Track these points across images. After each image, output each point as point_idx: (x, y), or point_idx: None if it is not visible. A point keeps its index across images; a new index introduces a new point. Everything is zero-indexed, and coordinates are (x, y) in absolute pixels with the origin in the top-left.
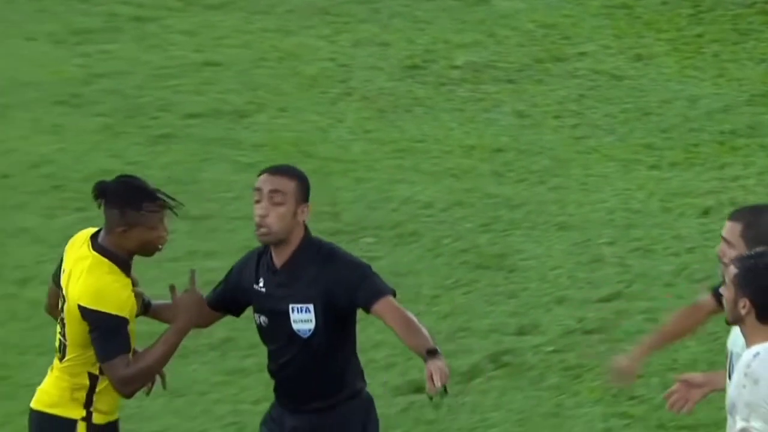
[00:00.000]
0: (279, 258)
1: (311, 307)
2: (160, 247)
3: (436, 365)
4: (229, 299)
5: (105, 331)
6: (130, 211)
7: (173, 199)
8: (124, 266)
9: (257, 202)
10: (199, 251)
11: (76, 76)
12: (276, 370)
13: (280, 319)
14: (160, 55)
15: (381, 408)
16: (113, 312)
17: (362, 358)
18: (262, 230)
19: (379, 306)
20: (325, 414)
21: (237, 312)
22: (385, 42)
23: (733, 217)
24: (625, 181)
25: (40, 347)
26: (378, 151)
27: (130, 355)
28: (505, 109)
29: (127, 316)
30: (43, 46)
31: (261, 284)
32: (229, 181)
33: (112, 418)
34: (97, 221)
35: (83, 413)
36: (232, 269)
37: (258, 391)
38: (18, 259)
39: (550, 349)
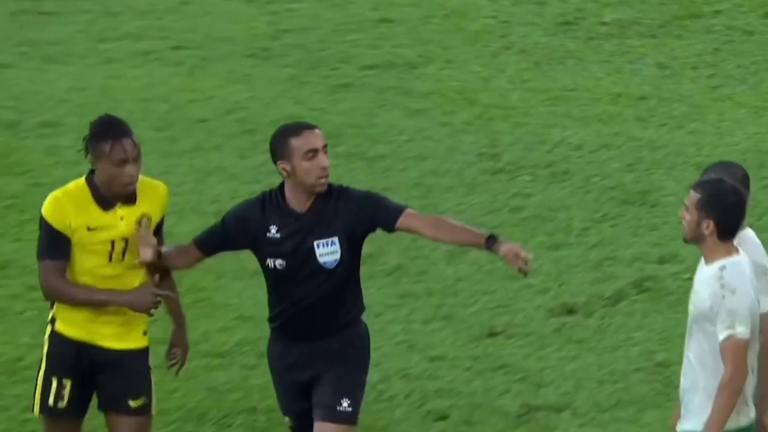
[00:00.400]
0: (302, 204)
1: (336, 239)
2: (126, 186)
3: (509, 247)
4: (219, 245)
5: (42, 234)
6: (91, 146)
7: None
8: (100, 198)
9: (314, 158)
10: (376, 187)
11: (265, 32)
12: (295, 307)
13: (304, 256)
14: (340, 13)
15: (536, 328)
16: (49, 220)
17: (517, 285)
18: (324, 180)
19: (404, 219)
20: (343, 333)
21: (211, 255)
22: (541, 1)
23: (695, 186)
24: (756, 125)
25: (235, 272)
26: (534, 98)
27: (66, 268)
28: (647, 61)
29: (63, 231)
30: (236, 5)
31: (274, 231)
32: (401, 125)
33: (73, 334)
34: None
35: (51, 317)
36: (225, 221)
37: (427, 312)
38: (214, 194)
39: (687, 276)
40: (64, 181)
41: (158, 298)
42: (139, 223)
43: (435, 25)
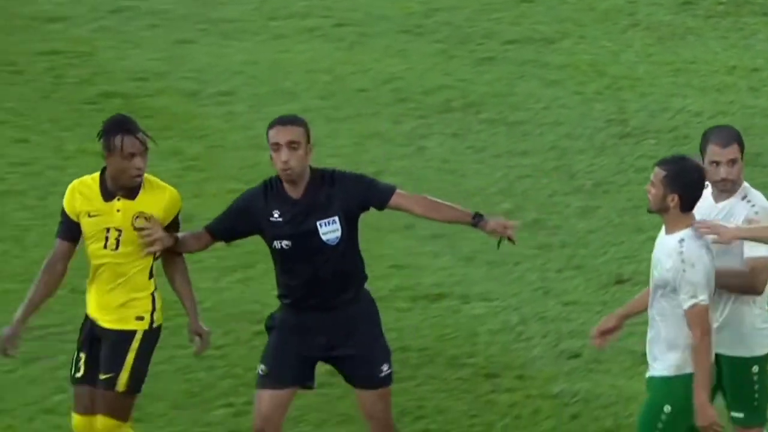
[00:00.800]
0: (296, 191)
1: (336, 218)
2: (133, 177)
3: (495, 222)
4: (227, 234)
5: (61, 216)
6: (104, 141)
7: (148, 137)
8: (104, 189)
9: (277, 151)
10: (516, 150)
11: (418, 11)
12: (304, 283)
13: (308, 236)
14: None
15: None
16: (64, 205)
17: (643, 237)
18: (289, 173)
19: (395, 199)
20: (351, 304)
21: (229, 241)
22: None
23: (660, 164)
24: None
25: (390, 226)
26: (658, 70)
27: (74, 250)
28: (760, 36)
29: (72, 216)
30: None
31: (277, 216)
32: (538, 94)
33: (90, 312)
34: (436, 127)
35: None
36: (229, 213)
37: (561, 262)
38: (373, 156)
39: None
40: (238, 145)
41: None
42: (147, 219)
43: (570, 5)
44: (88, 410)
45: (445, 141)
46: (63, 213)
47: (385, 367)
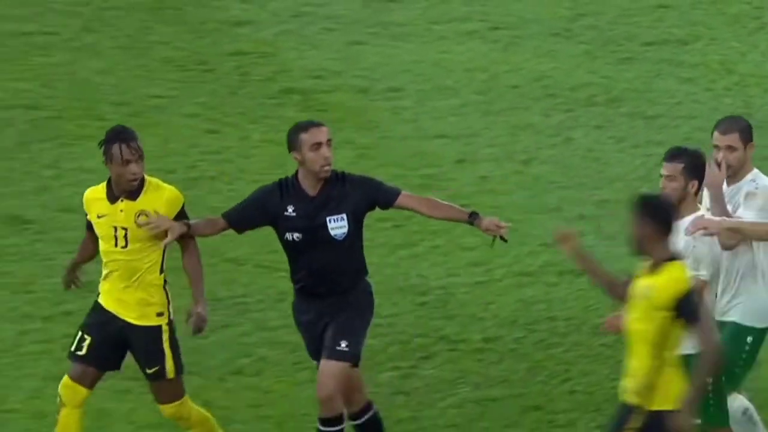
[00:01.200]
0: (313, 188)
1: (344, 216)
2: (130, 182)
3: (489, 220)
4: (244, 221)
5: None
6: (105, 150)
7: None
8: (110, 193)
9: (318, 149)
10: (653, 140)
11: (566, 15)
12: (311, 272)
13: (318, 229)
14: (626, 0)
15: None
16: (84, 206)
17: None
18: (328, 168)
19: (401, 199)
20: (351, 291)
21: (241, 231)
22: None
23: (672, 159)
24: None
25: (540, 207)
26: None
27: (90, 242)
28: None
29: (88, 216)
30: None
31: (291, 210)
32: (673, 90)
33: (107, 305)
34: (581, 120)
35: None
36: (246, 205)
37: None
38: (524, 146)
39: None
40: (404, 135)
41: None
42: (148, 215)
43: (701, 10)
44: (79, 380)
45: (589, 132)
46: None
47: (343, 343)
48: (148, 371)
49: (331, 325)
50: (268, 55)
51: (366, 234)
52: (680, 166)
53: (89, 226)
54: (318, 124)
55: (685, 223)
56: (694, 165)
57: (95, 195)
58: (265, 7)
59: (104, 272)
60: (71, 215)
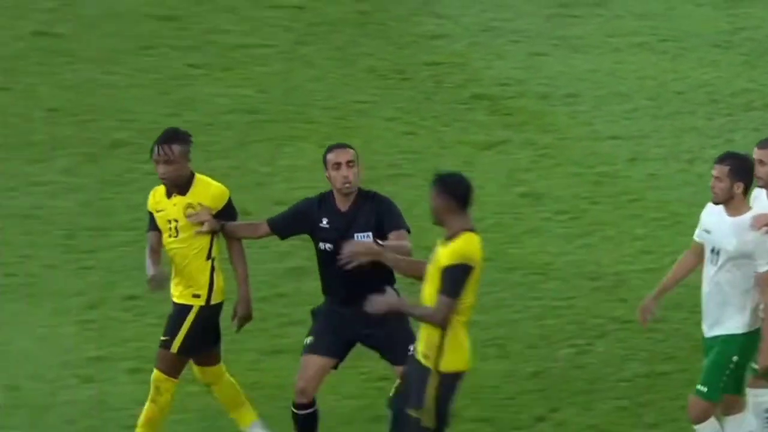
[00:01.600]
0: (344, 204)
1: (370, 233)
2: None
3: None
4: (290, 228)
5: None
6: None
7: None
8: (167, 191)
9: (338, 169)
10: None
11: (726, 29)
12: (339, 279)
13: (346, 242)
14: None
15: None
16: (148, 203)
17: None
18: (348, 186)
19: (392, 235)
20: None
21: (284, 237)
22: None
23: (720, 161)
24: None
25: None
26: None
27: (155, 237)
28: None
29: (151, 211)
30: (706, 11)
31: (325, 222)
32: None
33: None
34: (741, 123)
35: None
36: (291, 213)
37: None
38: (689, 146)
39: None
40: (581, 137)
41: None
42: (192, 207)
43: None
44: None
45: (748, 134)
46: (148, 212)
47: (411, 348)
48: (161, 338)
49: (389, 336)
50: (459, 65)
51: (544, 226)
52: (726, 168)
53: (151, 222)
54: (342, 146)
55: (744, 220)
56: (739, 168)
57: (157, 193)
58: (458, 22)
59: (169, 261)
60: (284, 208)
